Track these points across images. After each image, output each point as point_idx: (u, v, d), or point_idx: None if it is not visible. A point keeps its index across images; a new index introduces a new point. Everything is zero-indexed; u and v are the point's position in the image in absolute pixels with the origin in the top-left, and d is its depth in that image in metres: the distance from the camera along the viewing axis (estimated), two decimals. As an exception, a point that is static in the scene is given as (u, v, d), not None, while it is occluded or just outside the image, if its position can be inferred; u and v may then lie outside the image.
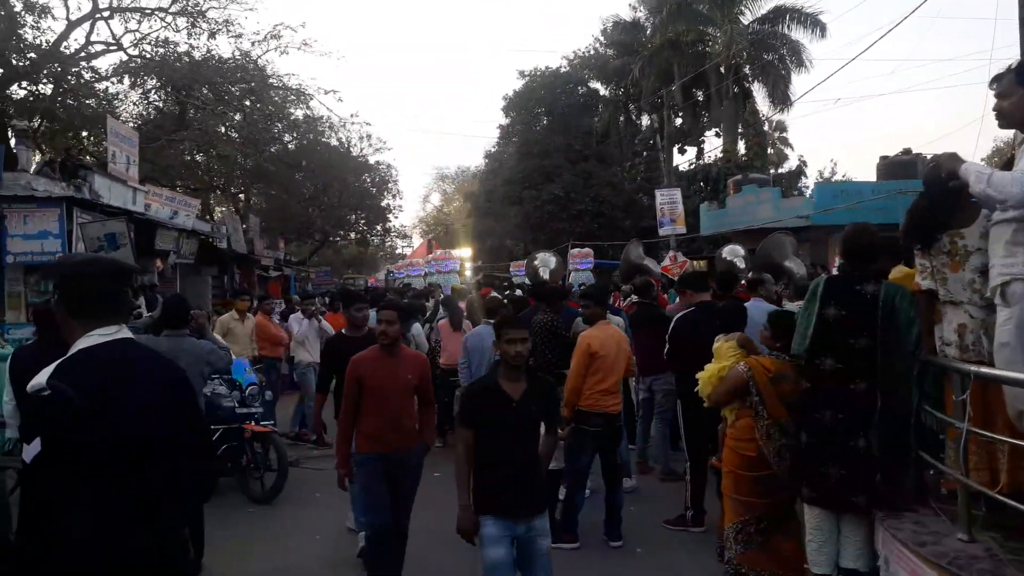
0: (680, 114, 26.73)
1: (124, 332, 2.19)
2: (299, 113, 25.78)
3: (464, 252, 33.84)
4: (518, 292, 10.50)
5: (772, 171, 22.02)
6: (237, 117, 22.19)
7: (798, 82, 31.51)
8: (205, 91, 20.66)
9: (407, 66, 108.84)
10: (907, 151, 16.51)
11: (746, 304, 5.65)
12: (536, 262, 10.62)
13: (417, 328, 8.69)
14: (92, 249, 10.23)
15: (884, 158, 16.02)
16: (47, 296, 12.00)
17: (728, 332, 4.67)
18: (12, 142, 14.78)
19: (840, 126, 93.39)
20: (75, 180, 12.67)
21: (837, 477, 3.56)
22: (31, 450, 1.95)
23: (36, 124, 17.82)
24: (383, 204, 34.99)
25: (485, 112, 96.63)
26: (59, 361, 2.05)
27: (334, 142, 30.26)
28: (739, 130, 24.97)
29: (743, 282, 7.59)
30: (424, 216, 57.38)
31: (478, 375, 6.09)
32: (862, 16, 79.14)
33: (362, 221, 35.64)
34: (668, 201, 16.95)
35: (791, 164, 27.06)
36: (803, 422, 3.81)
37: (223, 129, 22.56)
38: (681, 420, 5.16)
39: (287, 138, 26.75)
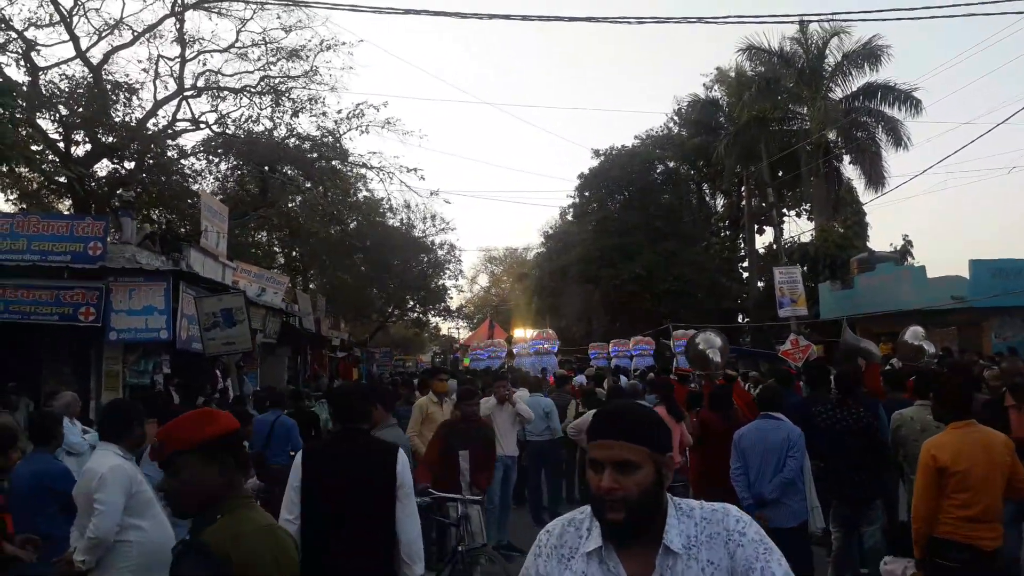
0: (757, 192, 25.97)
1: None
2: (360, 195, 25.40)
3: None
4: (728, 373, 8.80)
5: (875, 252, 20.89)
6: (299, 198, 21.73)
7: (892, 160, 30.21)
8: (287, 170, 20.33)
9: (473, 138, 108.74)
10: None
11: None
12: (700, 344, 9.07)
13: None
14: (206, 326, 9.31)
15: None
16: (147, 376, 11.08)
17: None
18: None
19: (931, 209, 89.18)
20: (173, 254, 12.04)
21: None
22: None
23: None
24: (440, 284, 34.28)
25: (548, 183, 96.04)
26: None
27: (395, 223, 29.83)
28: (832, 210, 24.00)
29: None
30: (471, 297, 56.69)
31: (760, 485, 4.88)
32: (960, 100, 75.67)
33: (419, 302, 34.91)
34: (787, 280, 15.74)
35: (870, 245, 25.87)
36: None
37: (291, 206, 22.12)
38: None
39: (348, 219, 26.33)
